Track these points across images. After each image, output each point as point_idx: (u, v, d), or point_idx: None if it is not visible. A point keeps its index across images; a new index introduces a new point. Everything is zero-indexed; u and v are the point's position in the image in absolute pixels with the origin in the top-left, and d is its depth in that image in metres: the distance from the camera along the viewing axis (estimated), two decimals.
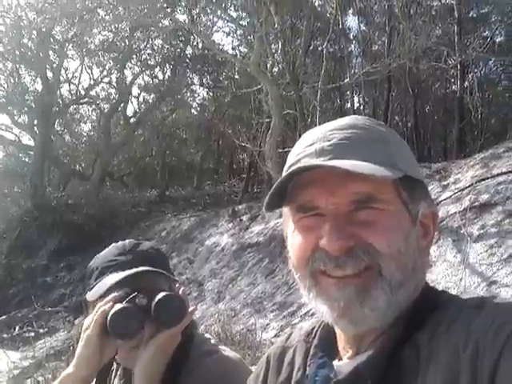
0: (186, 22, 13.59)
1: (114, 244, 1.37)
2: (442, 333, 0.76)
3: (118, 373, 1.40)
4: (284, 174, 0.83)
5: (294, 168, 0.81)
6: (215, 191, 15.08)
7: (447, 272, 5.65)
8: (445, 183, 7.50)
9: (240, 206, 10.99)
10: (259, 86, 10.98)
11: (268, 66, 12.49)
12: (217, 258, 9.41)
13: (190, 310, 1.24)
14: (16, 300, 11.59)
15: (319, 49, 13.85)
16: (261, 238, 9.12)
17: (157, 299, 1.20)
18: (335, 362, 0.88)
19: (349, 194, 0.80)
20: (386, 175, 0.77)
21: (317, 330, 0.96)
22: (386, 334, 0.81)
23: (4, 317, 10.49)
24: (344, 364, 0.85)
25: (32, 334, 9.42)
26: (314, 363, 0.90)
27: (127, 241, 1.37)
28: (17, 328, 9.94)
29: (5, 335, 9.72)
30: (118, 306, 1.18)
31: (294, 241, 0.86)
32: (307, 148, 0.84)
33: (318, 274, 0.82)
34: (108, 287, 1.24)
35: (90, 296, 1.28)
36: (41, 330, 9.53)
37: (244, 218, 10.24)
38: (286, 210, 0.89)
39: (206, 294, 8.38)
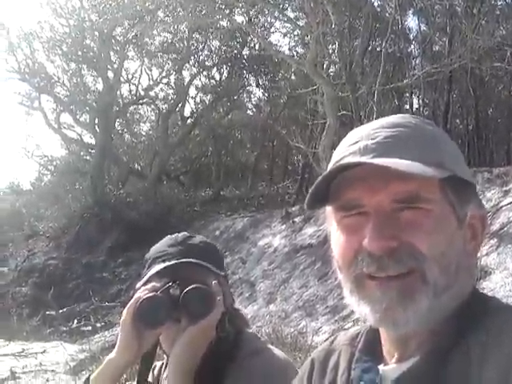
0: (244, 23, 13.72)
1: (168, 235, 1.41)
2: (493, 341, 0.73)
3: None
4: (327, 171, 0.82)
5: (336, 166, 0.80)
6: (269, 192, 15.09)
7: (507, 280, 5.42)
8: (506, 188, 7.21)
9: (293, 208, 10.96)
10: (315, 87, 10.92)
11: (324, 66, 12.41)
12: (269, 259, 9.42)
13: (218, 303, 1.24)
14: (75, 294, 12.04)
15: (377, 49, 13.63)
16: (314, 241, 9.06)
17: (185, 290, 1.21)
18: (380, 367, 0.86)
19: (392, 192, 0.78)
20: (431, 174, 0.75)
21: (362, 335, 0.94)
22: (432, 338, 0.79)
23: (63, 310, 10.92)
24: (390, 369, 0.83)
25: (89, 328, 9.76)
26: (358, 367, 0.88)
27: (181, 233, 1.40)
28: (75, 321, 10.32)
29: (63, 328, 10.13)
30: (148, 295, 1.21)
31: (337, 241, 0.84)
32: (351, 146, 0.83)
33: (362, 278, 0.80)
34: (149, 277, 1.29)
35: (137, 285, 1.32)
36: (98, 325, 9.85)
37: (297, 219, 10.20)
38: (328, 209, 0.87)
39: (257, 295, 8.40)
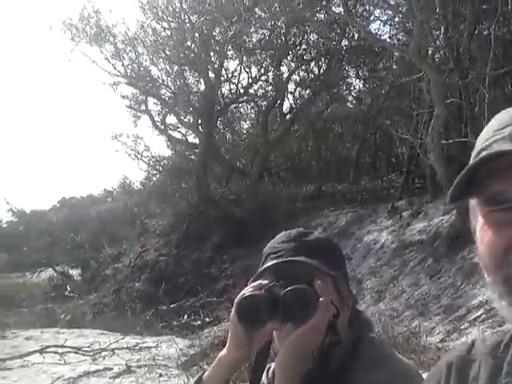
0: (342, 13, 13.43)
1: (284, 231, 1.36)
2: None
3: None
4: (472, 160, 0.74)
5: (484, 154, 0.72)
6: (373, 186, 14.69)
7: None
8: None
9: (400, 202, 10.57)
10: (419, 75, 10.47)
11: (429, 52, 11.85)
12: (376, 255, 9.15)
13: (322, 305, 1.13)
14: (184, 289, 12.50)
15: (485, 33, 12.77)
16: (423, 236, 8.66)
17: (284, 290, 1.15)
18: None
19: None
20: None
21: (506, 344, 0.83)
22: None
23: (174, 305, 11.37)
24: None
25: (198, 323, 10.06)
26: (509, 382, 0.77)
27: (295, 229, 1.36)
28: (185, 316, 10.70)
29: (174, 322, 10.53)
30: (249, 293, 1.18)
31: (483, 239, 0.76)
32: (498, 132, 0.74)
33: None
34: (257, 274, 1.26)
35: (249, 281, 1.29)
36: (206, 319, 10.14)
37: (404, 214, 9.82)
38: (473, 202, 0.79)
39: (365, 293, 8.19)
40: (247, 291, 1.19)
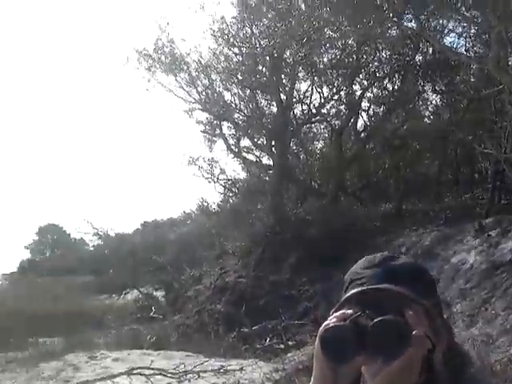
0: (415, 28, 13.19)
1: (366, 256, 1.27)
2: None
3: None
4: None
5: None
6: (456, 204, 14.14)
7: None
8: None
9: (487, 220, 10.11)
10: (500, 86, 10.07)
11: (509, 63, 11.40)
12: (465, 277, 8.77)
13: (415, 339, 1.02)
14: (265, 311, 12.50)
15: None
16: None
17: (372, 322, 1.04)
18: None
19: None
20: None
21: None
22: None
23: (256, 327, 11.39)
24: None
25: (281, 346, 10.00)
26: None
27: (379, 254, 1.25)
28: (267, 339, 10.68)
29: (257, 345, 10.53)
30: (332, 324, 1.08)
31: None
32: None
33: None
34: (340, 303, 1.16)
35: (331, 311, 1.19)
36: (289, 343, 10.05)
37: (493, 233, 9.37)
38: None
39: (455, 317, 7.84)
40: (331, 322, 1.10)
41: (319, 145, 19.99)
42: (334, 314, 1.12)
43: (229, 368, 8.90)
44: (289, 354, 9.38)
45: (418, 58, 15.81)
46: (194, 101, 17.43)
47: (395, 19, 13.04)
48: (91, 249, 25.78)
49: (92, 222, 20.34)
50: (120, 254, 20.47)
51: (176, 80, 17.00)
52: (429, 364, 1.06)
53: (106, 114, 58.24)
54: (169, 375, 8.46)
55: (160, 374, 8.51)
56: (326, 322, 1.10)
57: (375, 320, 1.04)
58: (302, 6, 15.82)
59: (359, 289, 1.15)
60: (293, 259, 13.78)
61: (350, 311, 1.10)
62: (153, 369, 8.66)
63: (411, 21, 14.11)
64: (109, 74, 53.67)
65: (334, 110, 17.51)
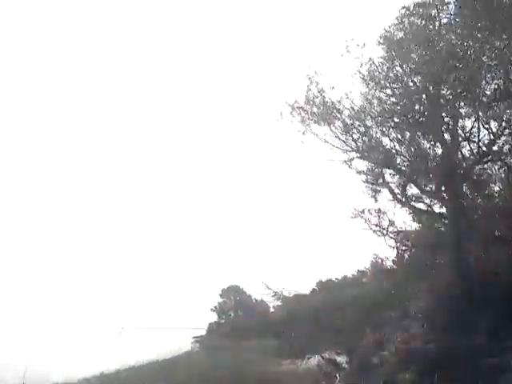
0: None
1: None
2: None
3: None
4: None
5: None
6: None
7: None
8: None
9: None
10: None
11: None
12: None
13: None
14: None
15: None
16: None
17: None
18: None
19: None
20: None
21: None
22: None
23: None
24: None
25: None
26: None
27: None
28: None
29: None
30: None
31: None
32: None
33: None
34: None
35: None
36: None
37: None
38: None
39: None
40: None
41: (496, 187, 18.27)
42: None
43: None
44: None
45: None
46: (350, 149, 16.85)
47: None
48: (272, 310, 26.39)
49: (268, 284, 20.80)
50: (299, 316, 20.58)
51: (331, 130, 16.65)
52: None
53: (268, 174, 60.05)
54: None
55: None
56: None
57: None
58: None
59: None
60: (485, 321, 12.53)
61: None
62: None
63: None
64: (259, 129, 55.46)
65: (507, 147, 15.97)
